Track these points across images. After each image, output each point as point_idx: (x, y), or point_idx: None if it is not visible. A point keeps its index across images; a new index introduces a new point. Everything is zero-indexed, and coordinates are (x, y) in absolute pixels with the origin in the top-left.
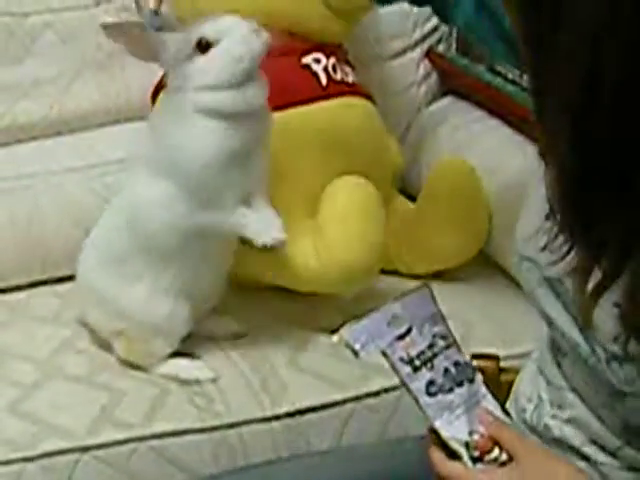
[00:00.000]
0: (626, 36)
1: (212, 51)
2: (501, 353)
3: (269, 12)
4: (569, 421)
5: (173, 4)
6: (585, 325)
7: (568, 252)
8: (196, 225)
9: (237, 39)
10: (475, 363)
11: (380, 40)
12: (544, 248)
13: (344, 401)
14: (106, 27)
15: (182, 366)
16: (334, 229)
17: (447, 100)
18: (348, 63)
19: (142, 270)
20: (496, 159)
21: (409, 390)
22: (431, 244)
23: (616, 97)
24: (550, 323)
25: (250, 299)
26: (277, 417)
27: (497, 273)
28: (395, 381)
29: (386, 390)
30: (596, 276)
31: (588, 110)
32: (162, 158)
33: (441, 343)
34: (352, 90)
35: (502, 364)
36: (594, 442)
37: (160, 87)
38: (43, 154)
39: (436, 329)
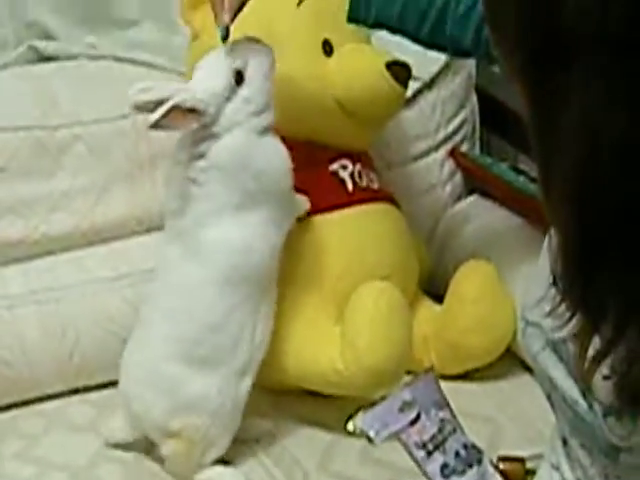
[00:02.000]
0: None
1: (247, 78)
2: (528, 452)
3: (295, 124)
4: None
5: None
6: (585, 388)
7: (571, 318)
8: (284, 234)
9: (262, 58)
10: (502, 466)
11: (404, 142)
12: (549, 314)
13: None
14: (153, 126)
15: (218, 473)
16: (361, 334)
17: (472, 199)
18: (373, 169)
19: (240, 330)
20: (521, 258)
21: (425, 473)
22: (458, 346)
23: (615, 177)
24: (553, 386)
25: (277, 401)
26: None
27: (524, 370)
28: None
29: None
30: (597, 342)
31: (590, 187)
32: (247, 192)
33: (448, 427)
34: (377, 196)
35: (529, 465)
36: None
37: None
38: (75, 265)
39: (442, 414)
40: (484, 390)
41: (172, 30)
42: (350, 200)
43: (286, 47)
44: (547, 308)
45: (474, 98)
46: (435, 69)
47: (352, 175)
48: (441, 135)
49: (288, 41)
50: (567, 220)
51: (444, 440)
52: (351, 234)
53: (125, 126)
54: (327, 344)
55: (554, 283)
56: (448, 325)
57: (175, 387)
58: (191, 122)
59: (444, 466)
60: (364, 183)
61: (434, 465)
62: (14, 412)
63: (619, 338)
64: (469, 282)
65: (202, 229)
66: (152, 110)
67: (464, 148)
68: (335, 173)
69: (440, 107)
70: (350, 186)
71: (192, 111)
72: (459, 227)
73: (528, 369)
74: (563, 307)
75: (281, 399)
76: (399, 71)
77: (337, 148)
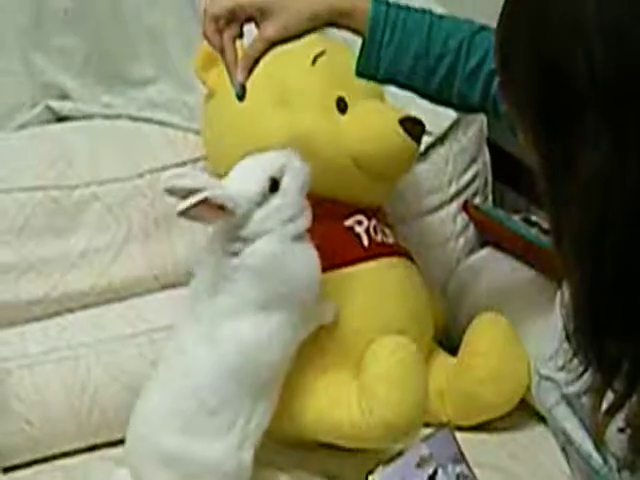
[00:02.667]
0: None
1: (282, 187)
2: None
3: (310, 181)
4: None
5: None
6: (598, 441)
7: (584, 371)
8: (300, 340)
9: (297, 170)
10: None
11: (417, 196)
12: (562, 368)
13: None
14: (181, 214)
15: None
16: (377, 387)
17: (485, 252)
18: (387, 223)
19: (235, 417)
20: (534, 310)
21: None
22: (472, 397)
23: (628, 230)
24: (567, 440)
25: (294, 455)
26: None
27: (539, 422)
28: None
29: None
30: (610, 396)
31: (602, 243)
32: (274, 295)
33: None
34: (392, 251)
35: None
36: None
37: None
38: (93, 323)
39: (458, 469)
40: (499, 441)
41: (187, 89)
42: (366, 255)
43: (300, 105)
44: (560, 362)
45: (486, 151)
46: (447, 123)
47: (367, 230)
48: (454, 189)
49: (302, 99)
50: (578, 275)
51: None
52: (367, 288)
53: (141, 185)
54: (344, 397)
55: (567, 338)
56: (462, 377)
57: (178, 459)
58: (218, 218)
59: None
60: (379, 238)
61: None
62: (35, 468)
63: (632, 391)
64: (482, 335)
65: (221, 319)
66: (184, 197)
67: (476, 201)
68: (351, 228)
69: (452, 161)
70: (366, 241)
71: (221, 208)
72: (472, 280)
73: (543, 420)
74: (576, 361)
75: (298, 453)
76: (412, 127)
77: (352, 204)
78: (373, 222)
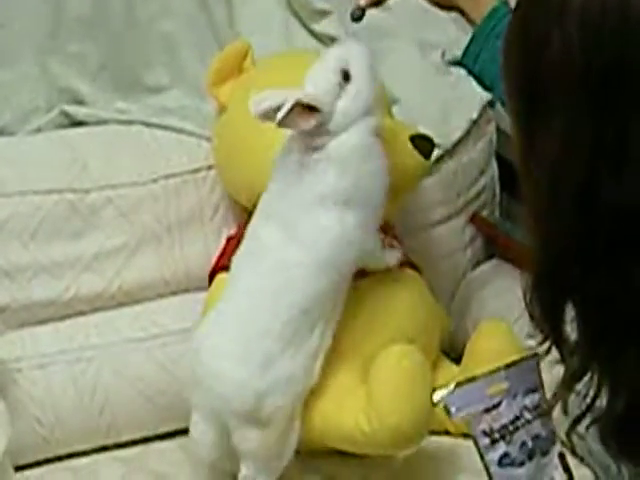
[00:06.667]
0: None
1: (352, 75)
2: None
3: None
4: None
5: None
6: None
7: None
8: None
9: (360, 54)
10: None
11: (425, 209)
12: None
13: None
14: (280, 124)
15: None
16: (384, 395)
17: (492, 263)
18: (395, 236)
19: (301, 332)
20: None
21: (483, 459)
22: None
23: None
24: (588, 451)
25: (303, 460)
26: None
27: None
28: None
29: None
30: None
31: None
32: (355, 188)
33: (527, 416)
34: (401, 263)
35: None
36: None
37: (217, 269)
38: (105, 325)
39: (527, 401)
40: None
41: (201, 96)
42: None
43: None
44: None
45: (494, 164)
46: (456, 137)
47: None
48: (462, 201)
49: None
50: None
51: (515, 430)
52: (376, 299)
53: (155, 190)
54: (352, 404)
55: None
56: None
57: (269, 364)
58: (311, 119)
59: (504, 456)
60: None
61: (494, 454)
62: (44, 468)
63: (587, 366)
64: (485, 341)
65: (306, 215)
66: (274, 114)
67: (484, 213)
68: None
69: (461, 174)
70: None
71: (311, 109)
72: (479, 290)
73: None
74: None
75: (307, 458)
76: (423, 144)
77: None
78: (381, 235)
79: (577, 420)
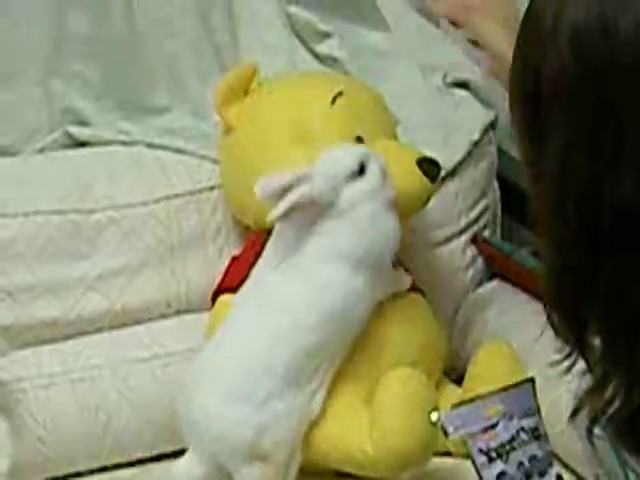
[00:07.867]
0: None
1: (368, 171)
2: None
3: None
4: None
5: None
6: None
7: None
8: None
9: (379, 162)
10: None
11: (427, 229)
12: None
13: None
14: (279, 219)
15: None
16: (389, 417)
17: (493, 284)
18: (397, 258)
19: (305, 373)
20: (541, 343)
21: (481, 478)
22: None
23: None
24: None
25: None
26: None
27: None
28: None
29: None
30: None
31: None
32: (365, 253)
33: (523, 437)
34: None
35: None
36: None
37: (220, 290)
38: (108, 346)
39: (524, 423)
40: None
41: (203, 117)
42: None
43: (320, 143)
44: None
45: (496, 186)
46: (458, 158)
47: None
48: (463, 222)
49: (322, 137)
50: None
51: (511, 449)
52: (379, 322)
53: (157, 211)
54: (355, 426)
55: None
56: None
57: (268, 401)
58: (312, 213)
59: (501, 474)
60: None
61: (491, 472)
62: None
63: (608, 374)
64: (486, 362)
65: (320, 264)
66: (279, 197)
67: (486, 234)
68: None
69: (462, 195)
70: None
71: (312, 203)
72: (480, 311)
73: None
74: None
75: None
76: (429, 168)
77: None
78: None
79: (595, 418)
